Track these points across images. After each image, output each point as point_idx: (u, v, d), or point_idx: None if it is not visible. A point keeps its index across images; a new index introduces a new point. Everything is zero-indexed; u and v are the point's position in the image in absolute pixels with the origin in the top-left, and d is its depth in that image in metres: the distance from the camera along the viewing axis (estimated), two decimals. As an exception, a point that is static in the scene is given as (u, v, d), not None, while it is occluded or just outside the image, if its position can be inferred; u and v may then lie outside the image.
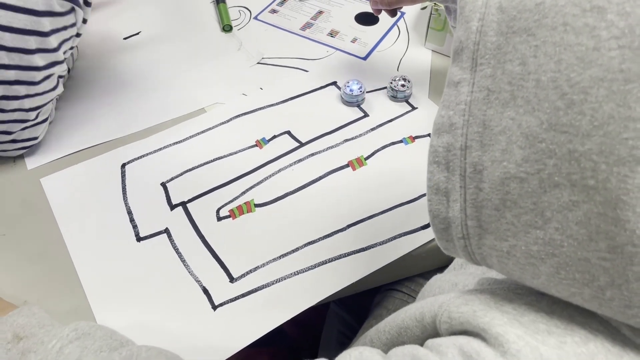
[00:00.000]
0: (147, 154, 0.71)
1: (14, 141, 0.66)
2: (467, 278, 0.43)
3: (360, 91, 0.75)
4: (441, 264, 0.66)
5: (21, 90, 0.60)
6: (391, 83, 0.77)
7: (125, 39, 0.87)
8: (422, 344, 0.41)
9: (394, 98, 0.77)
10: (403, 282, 0.66)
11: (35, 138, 0.68)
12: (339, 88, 0.79)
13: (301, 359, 0.54)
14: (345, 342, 0.75)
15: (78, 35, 0.65)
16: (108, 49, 0.86)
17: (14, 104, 0.61)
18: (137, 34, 0.88)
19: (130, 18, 0.91)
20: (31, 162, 0.70)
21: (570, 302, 0.32)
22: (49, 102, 0.65)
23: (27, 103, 0.62)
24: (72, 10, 0.59)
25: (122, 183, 0.67)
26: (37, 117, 0.65)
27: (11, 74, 0.58)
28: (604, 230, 0.27)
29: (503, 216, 0.31)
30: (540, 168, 0.28)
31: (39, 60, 0.59)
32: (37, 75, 0.60)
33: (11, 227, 0.63)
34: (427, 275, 0.66)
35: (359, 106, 0.77)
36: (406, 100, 0.77)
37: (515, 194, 0.30)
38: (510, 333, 0.32)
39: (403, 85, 0.77)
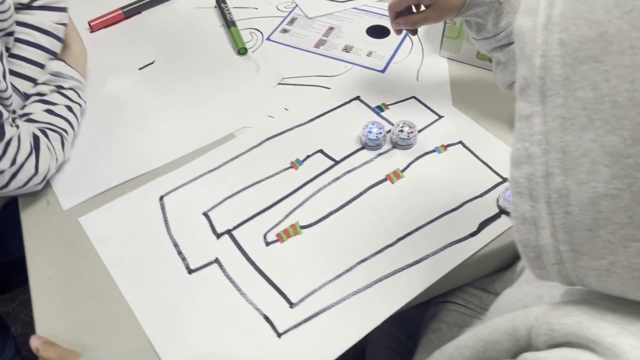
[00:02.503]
0: (183, 185, 0.70)
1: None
2: (551, 289, 0.43)
3: (380, 135, 0.72)
4: (490, 270, 0.67)
5: None
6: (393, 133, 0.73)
7: (140, 69, 0.87)
8: (512, 358, 0.41)
9: (398, 145, 0.73)
10: (454, 292, 0.67)
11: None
12: (362, 102, 0.80)
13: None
14: (396, 358, 0.75)
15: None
16: (124, 81, 0.85)
17: None
18: (152, 63, 0.87)
19: (143, 48, 0.90)
20: (66, 203, 0.68)
21: None
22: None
23: None
24: None
25: (163, 216, 0.67)
26: None
27: None
28: None
29: (597, 235, 0.32)
30: (631, 182, 0.29)
31: None
32: None
33: (57, 270, 0.62)
34: (474, 284, 0.67)
35: (379, 146, 0.73)
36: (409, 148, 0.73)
37: (608, 211, 0.31)
38: (624, 343, 0.32)
39: (411, 132, 0.72)
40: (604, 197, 0.31)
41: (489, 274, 0.67)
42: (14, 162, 0.61)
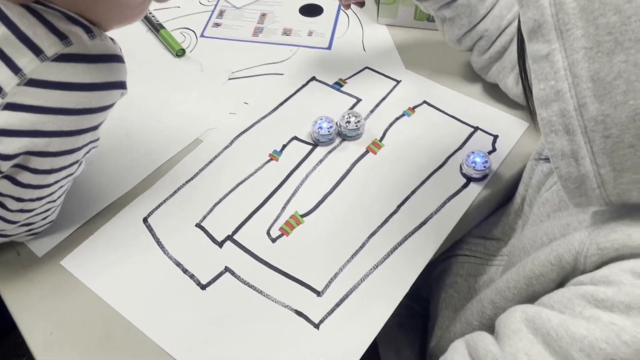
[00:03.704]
0: (164, 201, 0.66)
1: (28, 226, 0.58)
2: (578, 216, 0.46)
3: (331, 129, 0.69)
4: (486, 214, 0.70)
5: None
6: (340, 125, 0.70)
7: (73, 91, 0.79)
8: (557, 288, 0.43)
9: (347, 137, 0.71)
10: (458, 245, 0.68)
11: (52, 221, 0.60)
12: (320, 82, 0.79)
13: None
14: (404, 322, 0.77)
15: None
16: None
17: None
18: (84, 83, 0.80)
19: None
20: (40, 249, 0.62)
21: None
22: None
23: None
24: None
25: (154, 238, 0.62)
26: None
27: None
28: None
29: (639, 149, 0.34)
30: None
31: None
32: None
33: (55, 323, 0.56)
34: (473, 233, 0.69)
35: (332, 141, 0.71)
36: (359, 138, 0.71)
37: None
38: None
39: (358, 122, 0.69)
40: None
41: (483, 222, 0.70)
42: None
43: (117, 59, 0.48)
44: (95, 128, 0.50)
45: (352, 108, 0.75)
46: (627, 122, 0.34)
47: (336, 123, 0.70)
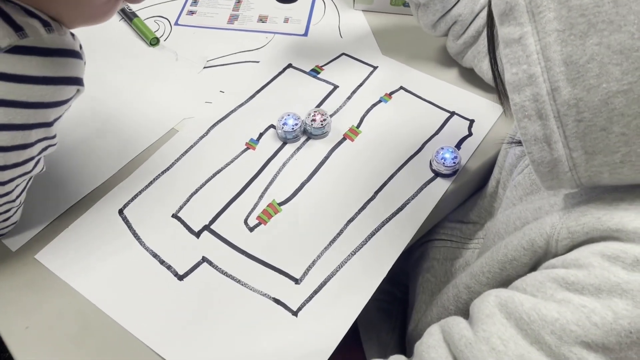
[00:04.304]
0: (139, 193, 0.65)
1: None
2: (549, 199, 0.46)
3: (296, 126, 0.68)
4: (463, 198, 0.70)
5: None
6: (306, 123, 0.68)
7: (45, 82, 0.78)
8: (530, 271, 0.43)
9: (313, 136, 0.69)
10: (435, 230, 0.69)
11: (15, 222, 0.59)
12: (296, 69, 0.79)
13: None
14: (384, 306, 0.77)
15: None
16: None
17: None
18: (56, 73, 0.79)
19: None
20: (13, 243, 0.61)
21: None
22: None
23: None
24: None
25: (130, 229, 0.62)
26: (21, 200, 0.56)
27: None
28: None
29: (611, 132, 0.34)
30: None
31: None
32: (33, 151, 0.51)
33: (31, 317, 0.56)
34: (449, 218, 0.70)
35: (297, 138, 0.69)
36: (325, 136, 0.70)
37: (622, 106, 0.33)
38: None
39: (324, 120, 0.68)
40: (617, 95, 0.33)
41: (460, 206, 0.71)
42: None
43: (74, 54, 0.47)
44: (49, 124, 0.49)
45: (328, 95, 0.75)
46: (599, 106, 0.34)
47: (302, 121, 0.69)
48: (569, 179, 0.38)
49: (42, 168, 0.55)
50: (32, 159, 0.51)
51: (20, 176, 0.51)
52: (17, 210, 0.57)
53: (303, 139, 0.70)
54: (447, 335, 0.42)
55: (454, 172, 0.65)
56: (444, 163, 0.64)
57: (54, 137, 0.52)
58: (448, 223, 0.69)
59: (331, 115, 0.72)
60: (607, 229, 0.37)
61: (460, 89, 0.75)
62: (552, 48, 0.34)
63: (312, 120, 0.68)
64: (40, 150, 0.51)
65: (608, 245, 0.36)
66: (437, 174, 0.65)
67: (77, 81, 0.48)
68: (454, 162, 0.64)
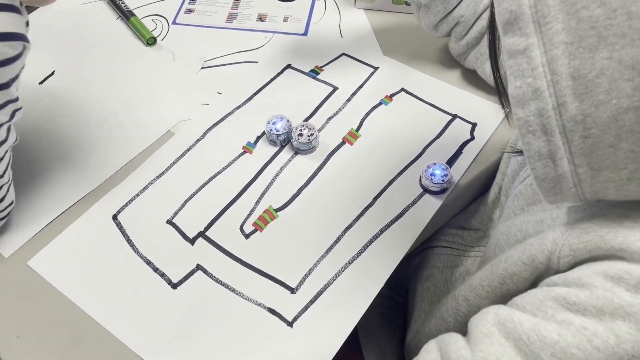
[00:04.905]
0: (134, 198, 0.64)
1: None
2: (551, 212, 0.45)
3: (286, 129, 0.66)
4: (464, 204, 0.69)
5: None
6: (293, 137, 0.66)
7: (40, 83, 0.77)
8: (530, 287, 0.42)
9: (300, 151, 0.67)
10: (436, 236, 0.68)
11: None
12: (295, 69, 0.77)
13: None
14: (386, 312, 0.76)
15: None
16: (26, 102, 0.75)
17: None
18: (52, 74, 0.78)
19: (36, 59, 0.80)
20: (6, 250, 0.60)
21: None
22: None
23: None
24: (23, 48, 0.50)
25: (123, 235, 0.61)
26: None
27: None
28: None
29: (619, 149, 0.32)
30: None
31: None
32: None
33: (23, 325, 0.55)
34: (451, 224, 0.68)
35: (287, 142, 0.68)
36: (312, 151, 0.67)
37: (632, 123, 0.31)
38: None
39: (311, 135, 0.65)
40: (628, 111, 0.31)
41: (462, 211, 0.69)
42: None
43: (11, 8, 0.45)
44: (5, 86, 0.48)
45: (328, 97, 0.73)
46: (608, 122, 0.32)
47: (288, 132, 0.66)
48: (573, 194, 0.36)
49: (16, 138, 0.55)
50: (1, 125, 0.50)
51: None
52: (8, 188, 0.56)
53: (289, 151, 0.68)
54: (444, 354, 0.40)
55: (443, 190, 0.62)
56: (432, 180, 0.61)
57: (16, 99, 0.51)
58: (449, 229, 0.68)
59: (330, 118, 0.71)
60: (610, 248, 0.36)
61: (463, 90, 0.74)
62: (559, 61, 0.32)
63: (298, 135, 0.66)
64: (9, 117, 0.51)
65: (611, 264, 0.35)
66: (425, 190, 0.63)
67: (19, 36, 0.47)
68: (443, 180, 0.61)
